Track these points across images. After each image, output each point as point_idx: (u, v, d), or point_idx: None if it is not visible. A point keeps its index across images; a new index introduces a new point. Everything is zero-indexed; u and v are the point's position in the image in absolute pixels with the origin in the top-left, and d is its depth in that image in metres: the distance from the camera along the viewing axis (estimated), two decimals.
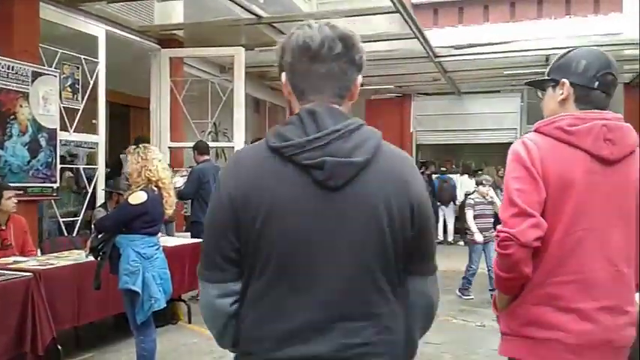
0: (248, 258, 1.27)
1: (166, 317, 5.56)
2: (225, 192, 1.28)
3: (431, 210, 1.36)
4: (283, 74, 1.35)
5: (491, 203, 6.86)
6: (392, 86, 12.35)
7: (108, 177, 7.12)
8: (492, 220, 6.76)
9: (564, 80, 1.80)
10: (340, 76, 1.31)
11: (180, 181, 6.98)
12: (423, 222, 1.31)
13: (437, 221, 12.03)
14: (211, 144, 7.97)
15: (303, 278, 1.25)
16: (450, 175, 12.66)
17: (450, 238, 12.22)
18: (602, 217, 1.71)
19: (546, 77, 1.87)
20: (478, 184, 6.99)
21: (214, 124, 9.39)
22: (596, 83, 1.78)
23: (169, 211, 3.65)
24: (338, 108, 1.30)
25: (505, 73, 10.44)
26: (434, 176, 12.43)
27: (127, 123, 11.72)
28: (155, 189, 3.59)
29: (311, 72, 1.30)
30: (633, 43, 8.76)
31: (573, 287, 1.69)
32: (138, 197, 3.51)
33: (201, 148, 7.06)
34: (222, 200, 1.28)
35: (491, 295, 4.69)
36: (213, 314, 1.34)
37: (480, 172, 11.81)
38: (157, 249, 3.63)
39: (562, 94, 1.80)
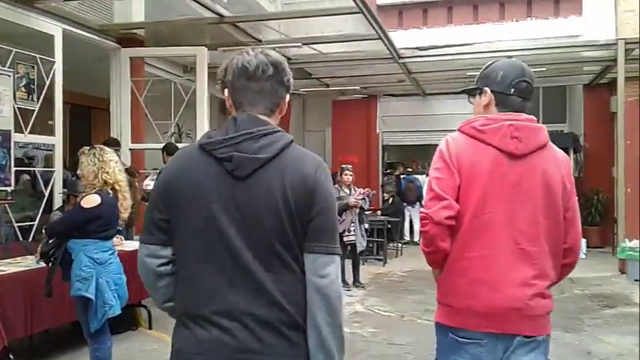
0: (176, 230, 1.59)
1: (126, 323, 5.42)
2: (163, 176, 1.64)
3: (330, 197, 1.60)
4: (226, 90, 1.64)
5: None
6: (358, 87, 12.34)
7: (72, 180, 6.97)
8: None
9: (486, 88, 2.12)
10: (271, 93, 1.63)
11: (151, 184, 6.92)
12: (320, 206, 1.56)
13: (403, 221, 12.09)
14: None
15: (213, 245, 1.54)
16: (416, 176, 12.73)
17: (416, 239, 12.28)
18: (509, 202, 1.98)
19: (475, 86, 2.17)
20: None
21: (177, 125, 9.25)
22: (512, 90, 2.08)
23: (124, 215, 3.53)
24: (259, 117, 1.60)
25: (468, 74, 10.52)
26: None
27: (89, 125, 11.46)
28: (110, 192, 3.48)
29: (247, 89, 1.61)
30: (592, 45, 8.96)
31: (482, 262, 1.97)
32: (91, 200, 3.38)
33: (170, 150, 6.94)
34: (160, 182, 1.63)
35: None
36: (142, 270, 1.66)
37: None
38: (112, 254, 3.50)
39: (485, 99, 2.12)
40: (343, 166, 7.95)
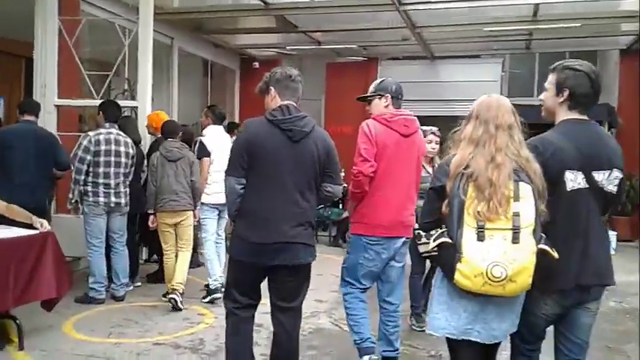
0: (250, 169, 2.99)
1: None
2: (245, 135, 3.09)
3: (335, 153, 3.17)
4: (271, 88, 3.13)
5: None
6: (355, 46, 10.62)
7: None
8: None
9: (387, 95, 3.62)
10: (297, 91, 3.16)
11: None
12: (332, 159, 3.13)
13: None
14: (122, 103, 6.24)
15: (270, 184, 2.99)
16: None
17: None
18: (401, 164, 3.54)
19: (374, 94, 3.67)
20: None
21: (128, 80, 7.66)
22: (399, 96, 3.65)
23: None
24: (295, 105, 3.11)
25: (485, 29, 8.80)
26: None
27: None
28: None
29: (289, 87, 3.13)
30: None
31: (386, 197, 3.49)
32: None
33: (24, 106, 5.36)
34: (242, 139, 3.07)
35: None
36: (230, 191, 3.06)
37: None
38: None
39: (386, 102, 3.62)
40: (425, 128, 4.73)
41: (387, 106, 3.57)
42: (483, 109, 2.41)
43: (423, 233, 2.44)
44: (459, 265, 2.17)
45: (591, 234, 2.39)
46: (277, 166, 2.96)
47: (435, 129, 4.70)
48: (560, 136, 2.40)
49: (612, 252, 8.21)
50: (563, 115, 2.50)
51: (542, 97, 2.59)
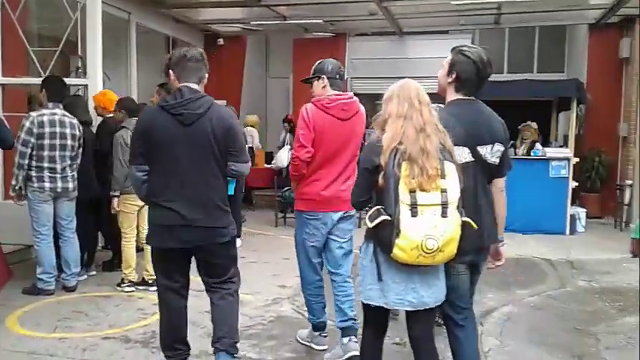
0: (150, 156, 3.02)
1: None
2: (140, 124, 3.12)
3: (236, 130, 3.18)
4: (171, 71, 3.10)
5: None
6: (321, 21, 10.28)
7: None
8: None
9: (323, 75, 3.60)
10: (199, 71, 3.13)
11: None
12: (232, 137, 3.10)
13: None
14: (71, 81, 5.90)
15: (169, 169, 3.01)
16: None
17: None
18: (339, 146, 3.56)
19: (312, 76, 3.64)
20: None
21: (81, 58, 7.23)
22: (337, 76, 3.64)
23: None
24: (194, 87, 3.09)
25: (453, 3, 8.56)
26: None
27: None
28: None
29: (186, 68, 3.09)
30: None
31: (323, 177, 3.57)
32: None
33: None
34: (138, 129, 3.11)
35: None
36: (134, 180, 3.15)
37: None
38: None
39: (323, 83, 3.61)
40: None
41: (324, 87, 3.58)
42: (403, 89, 2.55)
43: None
44: (397, 241, 2.34)
45: (480, 201, 2.66)
46: (171, 152, 3.00)
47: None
48: (448, 117, 2.58)
49: (582, 229, 8.27)
50: (451, 94, 2.75)
51: (438, 73, 2.81)
